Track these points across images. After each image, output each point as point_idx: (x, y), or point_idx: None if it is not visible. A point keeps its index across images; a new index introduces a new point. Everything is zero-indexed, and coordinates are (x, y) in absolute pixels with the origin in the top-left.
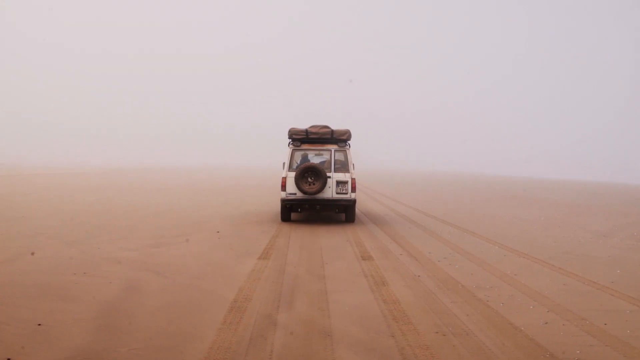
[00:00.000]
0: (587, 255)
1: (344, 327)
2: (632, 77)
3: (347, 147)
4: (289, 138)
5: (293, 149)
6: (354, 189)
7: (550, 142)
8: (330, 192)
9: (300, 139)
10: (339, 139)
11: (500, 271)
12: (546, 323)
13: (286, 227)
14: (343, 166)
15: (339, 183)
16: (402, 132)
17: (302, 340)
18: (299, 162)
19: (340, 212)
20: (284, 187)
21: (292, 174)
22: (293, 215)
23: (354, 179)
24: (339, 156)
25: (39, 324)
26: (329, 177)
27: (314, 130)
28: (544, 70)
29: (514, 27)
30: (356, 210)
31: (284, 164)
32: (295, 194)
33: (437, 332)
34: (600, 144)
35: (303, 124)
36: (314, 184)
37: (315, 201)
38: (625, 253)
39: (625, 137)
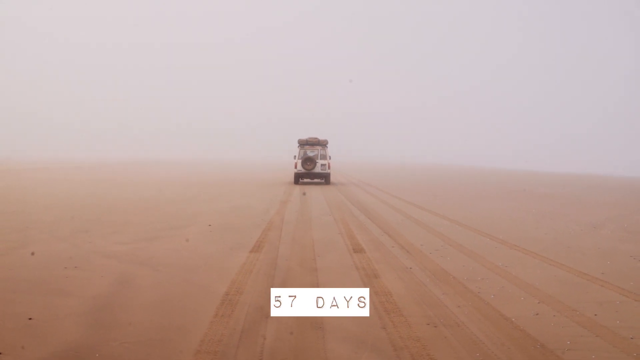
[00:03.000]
0: (577, 247)
1: (335, 320)
2: (633, 69)
3: (327, 147)
4: (298, 143)
5: (300, 149)
6: (329, 167)
7: (551, 135)
8: (318, 169)
9: (303, 143)
10: (322, 143)
11: (491, 263)
12: (537, 314)
13: (278, 220)
14: (324, 157)
15: (322, 165)
16: (404, 128)
17: (294, 333)
18: (302, 154)
19: (322, 179)
20: (296, 167)
21: (300, 161)
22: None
23: (330, 162)
24: (322, 152)
25: (30, 318)
26: (317, 161)
27: (310, 139)
28: (544, 64)
29: (511, 23)
30: (349, 206)
31: (295, 156)
32: (301, 170)
33: (428, 324)
34: (601, 137)
35: (300, 125)
36: (310, 165)
37: (311, 173)
38: (615, 244)
39: (625, 129)
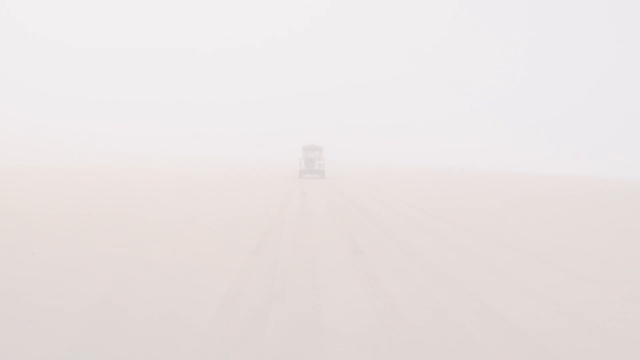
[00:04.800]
0: (576, 249)
1: (335, 321)
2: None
3: (322, 151)
4: (302, 148)
5: (302, 152)
6: (324, 166)
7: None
8: (316, 167)
9: (305, 148)
10: (319, 148)
11: (491, 265)
12: (537, 317)
13: (277, 223)
14: (321, 158)
15: (319, 164)
16: (415, 136)
17: (294, 334)
18: (304, 156)
19: (319, 175)
20: (300, 166)
21: (303, 161)
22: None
23: (324, 162)
24: (319, 154)
25: (30, 320)
26: (316, 161)
27: (310, 145)
28: (552, 71)
29: (513, 27)
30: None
31: (299, 157)
32: (304, 168)
33: (428, 326)
34: (607, 142)
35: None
36: (310, 164)
37: (311, 170)
38: (614, 247)
39: (629, 135)
